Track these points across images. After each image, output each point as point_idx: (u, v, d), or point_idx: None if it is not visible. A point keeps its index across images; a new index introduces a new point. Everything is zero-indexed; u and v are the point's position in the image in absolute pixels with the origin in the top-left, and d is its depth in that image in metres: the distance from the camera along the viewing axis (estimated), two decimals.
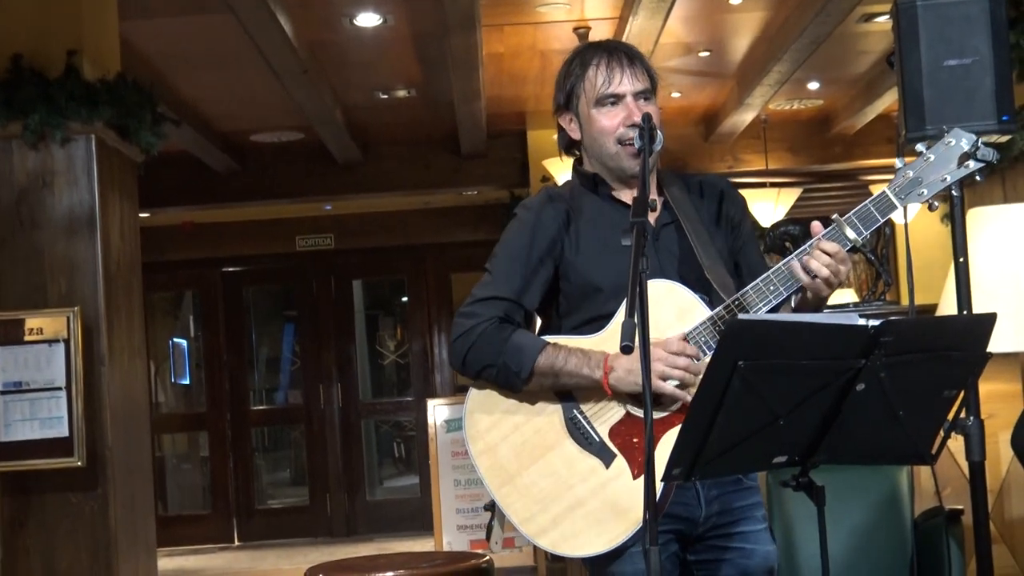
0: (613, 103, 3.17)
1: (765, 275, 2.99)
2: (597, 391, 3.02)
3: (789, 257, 2.97)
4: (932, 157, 2.98)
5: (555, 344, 3.05)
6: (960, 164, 2.96)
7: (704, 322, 2.99)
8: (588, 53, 3.26)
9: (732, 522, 3.14)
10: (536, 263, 3.15)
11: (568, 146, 3.37)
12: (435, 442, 8.93)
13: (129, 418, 6.22)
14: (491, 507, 3.13)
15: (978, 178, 3.01)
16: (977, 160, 2.96)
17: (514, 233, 3.22)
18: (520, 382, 3.05)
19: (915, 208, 3.17)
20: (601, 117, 3.18)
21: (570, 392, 3.06)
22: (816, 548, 2.83)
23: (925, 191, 2.96)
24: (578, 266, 3.16)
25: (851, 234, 2.96)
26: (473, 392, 3.16)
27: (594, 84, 3.19)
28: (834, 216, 2.98)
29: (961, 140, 2.97)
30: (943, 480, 4.36)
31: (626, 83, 3.17)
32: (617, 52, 3.23)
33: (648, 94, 3.20)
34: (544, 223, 3.19)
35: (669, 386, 2.92)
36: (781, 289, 2.97)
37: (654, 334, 2.84)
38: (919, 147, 3.01)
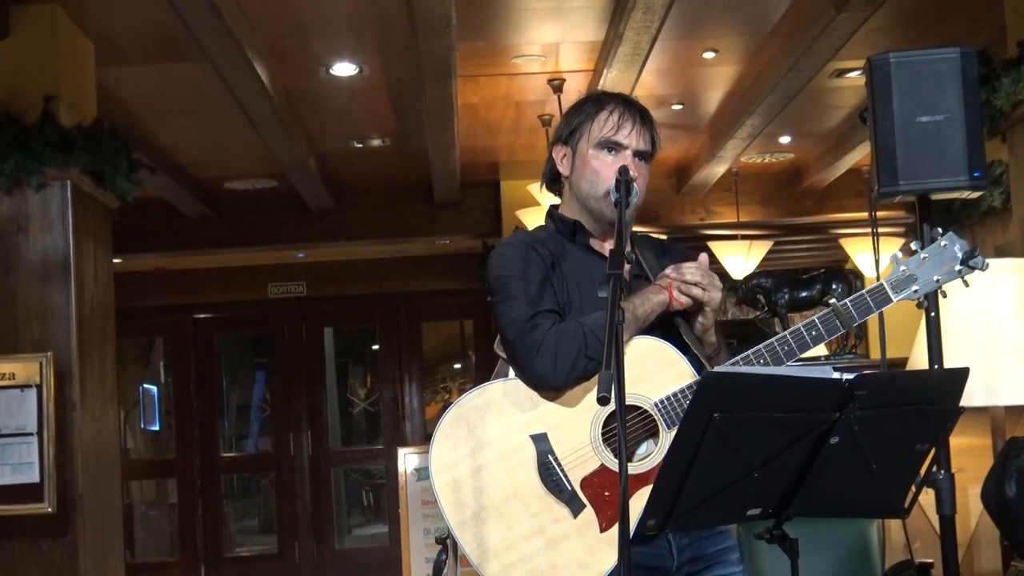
0: (613, 151, 3.20)
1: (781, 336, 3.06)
2: (573, 439, 3.00)
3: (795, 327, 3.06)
4: (926, 256, 3.15)
5: None
6: (953, 268, 3.15)
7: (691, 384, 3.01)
8: (605, 98, 3.30)
9: (705, 568, 3.12)
10: (541, 284, 3.12)
11: (551, 180, 3.39)
12: (405, 491, 8.88)
13: (100, 464, 6.18)
14: (443, 540, 3.08)
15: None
16: (968, 267, 3.11)
17: (513, 262, 3.16)
18: None
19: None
20: (597, 161, 3.21)
21: (546, 436, 3.01)
22: None
23: (917, 288, 3.14)
24: (562, 304, 3.14)
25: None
26: (444, 420, 3.06)
27: (602, 126, 3.22)
28: (831, 301, 3.08)
29: (955, 245, 3.17)
30: (913, 533, 4.38)
31: (633, 137, 3.21)
32: (633, 107, 3.27)
33: (646, 157, 3.25)
34: (535, 259, 3.15)
35: (684, 299, 3.07)
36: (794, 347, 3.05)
37: (641, 390, 2.96)
38: (913, 245, 3.24)
